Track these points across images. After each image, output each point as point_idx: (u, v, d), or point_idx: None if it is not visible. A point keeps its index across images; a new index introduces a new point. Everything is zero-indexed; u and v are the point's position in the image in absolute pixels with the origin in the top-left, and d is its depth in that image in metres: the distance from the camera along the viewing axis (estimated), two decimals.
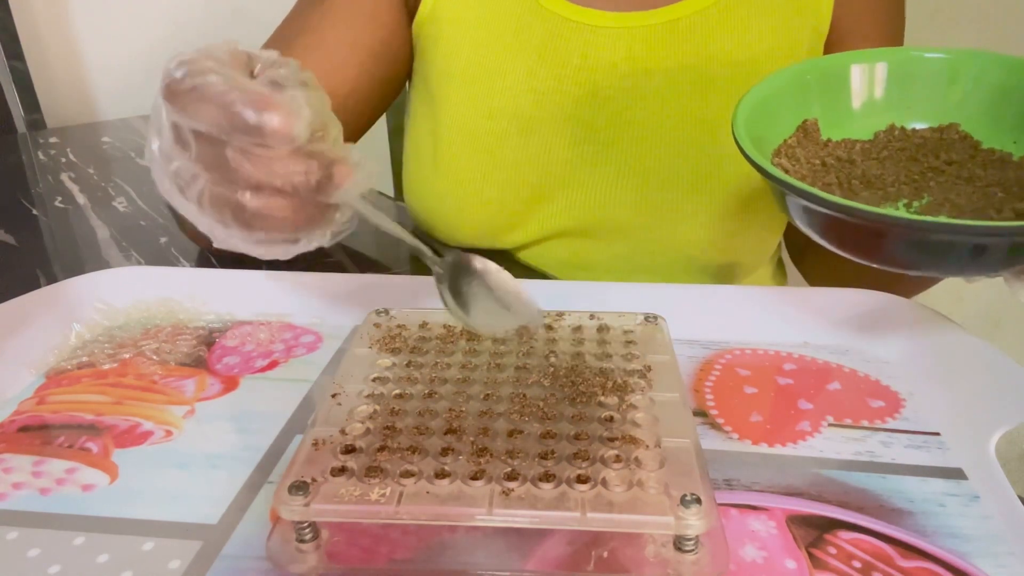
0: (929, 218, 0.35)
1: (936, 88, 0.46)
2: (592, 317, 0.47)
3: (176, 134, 0.34)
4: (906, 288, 0.61)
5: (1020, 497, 0.37)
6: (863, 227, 0.36)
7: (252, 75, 0.36)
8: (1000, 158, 0.43)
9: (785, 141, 0.45)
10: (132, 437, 0.43)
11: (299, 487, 0.32)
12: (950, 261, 0.36)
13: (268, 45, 0.66)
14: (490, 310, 0.39)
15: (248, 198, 0.34)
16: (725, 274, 0.67)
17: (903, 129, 0.46)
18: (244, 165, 0.33)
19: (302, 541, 0.33)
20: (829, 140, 0.46)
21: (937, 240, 0.35)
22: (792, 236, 0.71)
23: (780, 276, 0.77)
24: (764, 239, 0.66)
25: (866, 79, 0.47)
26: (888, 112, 0.47)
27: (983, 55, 0.45)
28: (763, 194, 0.62)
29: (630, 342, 0.45)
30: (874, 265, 0.39)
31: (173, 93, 0.33)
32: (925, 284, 0.63)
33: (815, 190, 0.36)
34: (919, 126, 0.46)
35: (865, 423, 0.44)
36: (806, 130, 0.46)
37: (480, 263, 0.40)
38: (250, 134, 0.32)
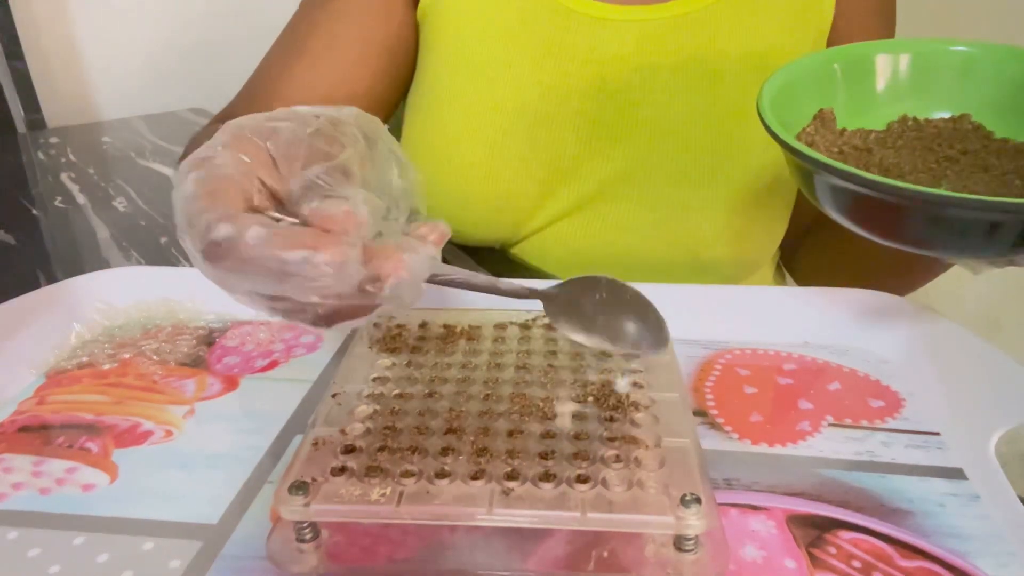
0: (971, 195, 0.35)
1: (952, 80, 0.46)
2: None
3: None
4: (898, 285, 0.62)
5: (1020, 497, 0.37)
6: (892, 204, 0.37)
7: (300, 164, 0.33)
8: (1014, 147, 0.44)
9: (804, 129, 0.45)
10: (132, 437, 0.43)
11: (299, 487, 0.32)
12: (969, 240, 0.37)
13: (276, 47, 0.66)
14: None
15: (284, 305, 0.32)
16: (730, 272, 0.66)
17: (916, 119, 0.46)
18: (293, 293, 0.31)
19: (302, 541, 0.33)
20: (844, 129, 0.46)
21: (965, 217, 0.36)
22: (784, 239, 0.71)
23: (780, 279, 0.77)
24: (770, 235, 0.66)
25: (889, 69, 0.47)
26: (903, 103, 0.47)
27: (1004, 48, 0.45)
28: (769, 189, 0.62)
29: None
30: (890, 244, 0.39)
31: (214, 257, 0.30)
32: (916, 283, 0.63)
33: (856, 170, 0.36)
34: (933, 116, 0.46)
35: (865, 423, 0.44)
36: (823, 119, 0.46)
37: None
38: (300, 275, 0.30)
